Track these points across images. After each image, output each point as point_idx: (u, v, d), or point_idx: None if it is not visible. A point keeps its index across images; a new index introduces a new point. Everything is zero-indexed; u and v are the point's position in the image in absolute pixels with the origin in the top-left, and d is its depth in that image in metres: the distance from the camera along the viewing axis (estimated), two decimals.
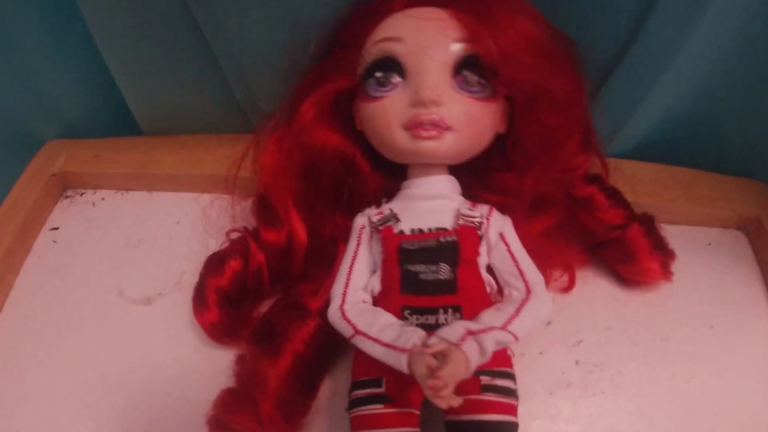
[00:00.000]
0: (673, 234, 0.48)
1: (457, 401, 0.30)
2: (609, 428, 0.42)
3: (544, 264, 0.40)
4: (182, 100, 0.54)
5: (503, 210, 0.41)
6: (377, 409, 0.36)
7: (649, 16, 0.42)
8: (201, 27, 0.44)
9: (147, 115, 0.56)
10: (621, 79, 0.47)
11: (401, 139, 0.38)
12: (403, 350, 0.33)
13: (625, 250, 0.46)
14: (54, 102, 0.56)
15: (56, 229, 0.55)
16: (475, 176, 0.42)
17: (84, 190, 0.58)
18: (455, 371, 0.31)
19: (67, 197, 0.58)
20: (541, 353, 0.45)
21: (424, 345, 0.33)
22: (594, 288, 0.49)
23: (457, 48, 0.37)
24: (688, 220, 0.53)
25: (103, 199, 0.57)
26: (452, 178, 0.41)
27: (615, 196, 0.47)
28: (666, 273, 0.48)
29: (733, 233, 0.54)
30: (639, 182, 0.52)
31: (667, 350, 0.46)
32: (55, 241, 0.54)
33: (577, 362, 0.45)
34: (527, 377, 0.42)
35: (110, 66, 0.51)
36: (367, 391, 0.37)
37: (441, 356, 0.32)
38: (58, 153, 0.58)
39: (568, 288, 0.48)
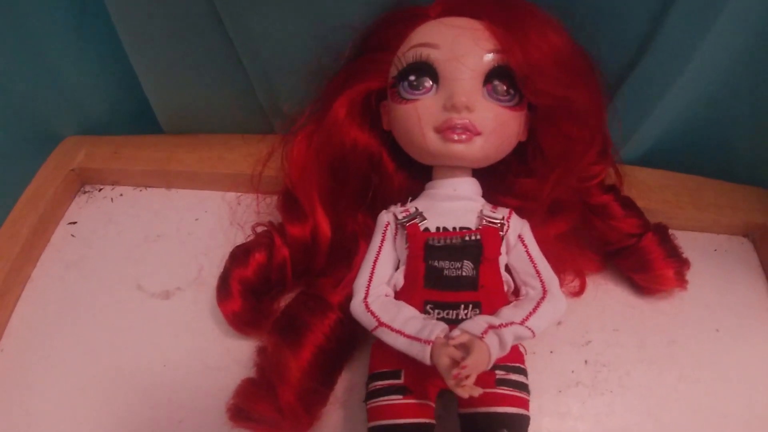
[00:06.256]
0: (680, 240, 0.49)
1: (477, 391, 0.32)
2: (616, 427, 0.43)
3: (557, 268, 0.41)
4: (205, 100, 0.54)
5: (521, 214, 0.42)
6: (396, 399, 0.37)
7: (661, 26, 0.43)
8: (227, 28, 0.45)
9: (169, 113, 0.57)
10: (632, 88, 0.48)
11: (432, 140, 0.39)
12: (426, 341, 0.34)
13: (640, 258, 0.47)
14: (74, 98, 0.57)
15: (74, 223, 0.56)
16: (495, 181, 0.44)
17: (102, 186, 0.59)
18: (478, 362, 0.32)
19: (85, 192, 0.58)
20: (551, 352, 0.46)
21: (447, 337, 0.34)
22: (603, 290, 0.50)
23: (489, 58, 0.39)
24: (695, 226, 0.54)
25: (121, 195, 0.58)
26: (476, 181, 0.43)
27: (630, 205, 0.48)
28: (681, 281, 0.48)
29: (739, 240, 0.55)
30: (647, 189, 0.53)
31: (673, 352, 0.47)
32: (73, 235, 0.55)
33: (586, 362, 0.46)
34: (538, 375, 0.43)
35: (134, 64, 0.51)
36: (386, 382, 0.38)
37: (463, 348, 0.33)
38: (77, 148, 0.58)
39: (578, 293, 0.49)
